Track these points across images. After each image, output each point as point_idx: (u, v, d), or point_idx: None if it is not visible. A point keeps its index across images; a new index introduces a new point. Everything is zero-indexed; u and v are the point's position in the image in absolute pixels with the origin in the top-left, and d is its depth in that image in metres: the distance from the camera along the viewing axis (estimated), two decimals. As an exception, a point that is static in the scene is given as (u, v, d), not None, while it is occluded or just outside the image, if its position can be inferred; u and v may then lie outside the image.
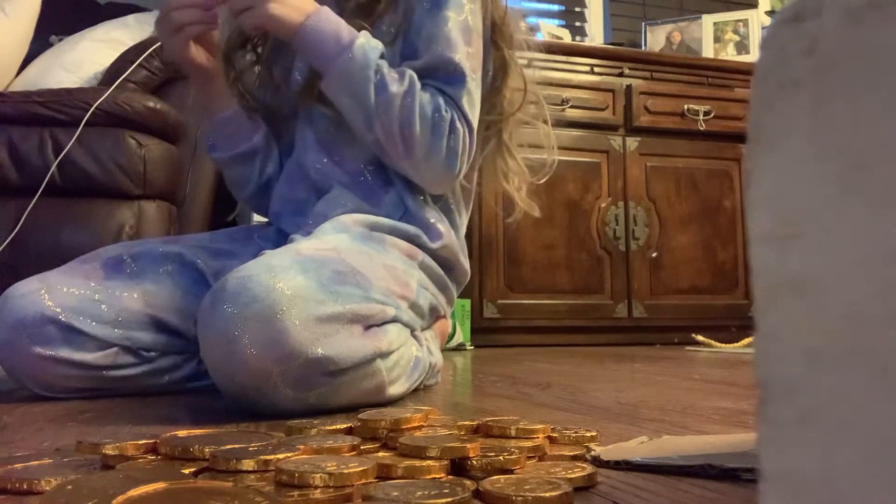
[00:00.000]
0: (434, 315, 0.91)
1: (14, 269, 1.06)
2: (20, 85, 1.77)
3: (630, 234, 2.24)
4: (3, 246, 1.46)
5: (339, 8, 0.91)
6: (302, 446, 0.43)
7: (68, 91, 1.61)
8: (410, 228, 0.87)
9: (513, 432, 0.50)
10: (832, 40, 0.19)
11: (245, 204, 1.04)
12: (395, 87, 0.83)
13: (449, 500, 0.34)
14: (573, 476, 0.40)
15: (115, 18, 1.97)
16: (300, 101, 0.95)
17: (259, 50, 1.00)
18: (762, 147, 0.21)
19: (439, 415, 0.60)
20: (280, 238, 0.92)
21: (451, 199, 0.97)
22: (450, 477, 0.41)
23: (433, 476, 0.40)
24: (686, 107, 2.33)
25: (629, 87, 2.29)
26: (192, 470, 0.40)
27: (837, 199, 0.19)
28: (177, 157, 1.72)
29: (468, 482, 0.39)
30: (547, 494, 0.35)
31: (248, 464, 0.40)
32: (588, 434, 0.52)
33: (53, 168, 1.53)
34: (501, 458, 0.42)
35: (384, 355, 0.71)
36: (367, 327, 0.70)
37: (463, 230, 1.00)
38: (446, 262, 0.92)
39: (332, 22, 0.84)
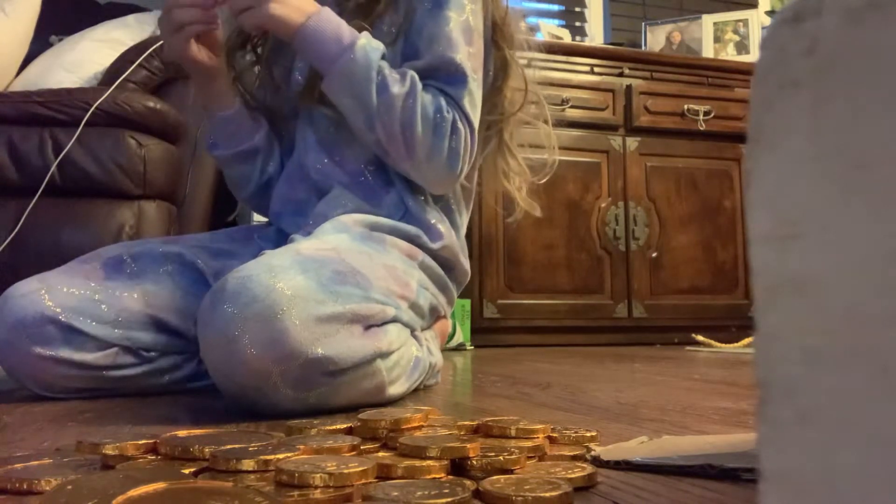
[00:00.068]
0: (434, 315, 0.91)
1: (14, 269, 1.06)
2: (20, 85, 1.77)
3: (630, 234, 2.24)
4: (3, 246, 1.46)
5: (338, 8, 0.91)
6: (302, 446, 0.43)
7: (68, 91, 1.61)
8: (411, 229, 0.87)
9: (513, 432, 0.50)
10: (832, 40, 0.19)
11: (245, 203, 1.04)
12: (397, 88, 0.83)
13: (449, 500, 0.34)
14: (573, 476, 0.40)
15: (115, 18, 1.97)
16: (301, 102, 0.95)
17: (259, 50, 1.00)
18: (762, 147, 0.21)
19: (439, 415, 0.60)
20: (280, 238, 0.92)
21: (452, 199, 0.97)
22: (450, 477, 0.41)
23: (433, 476, 0.40)
24: (686, 107, 2.33)
25: (629, 87, 2.29)
26: (192, 470, 0.40)
27: (837, 199, 0.19)
28: (177, 157, 1.72)
29: (468, 482, 0.39)
30: (547, 494, 0.35)
31: (248, 464, 0.40)
32: (588, 434, 0.52)
33: (53, 168, 1.53)
34: (501, 458, 0.42)
35: (384, 355, 0.71)
36: (367, 327, 0.70)
37: (463, 230, 1.00)
38: (446, 263, 0.92)
39: (333, 23, 0.84)
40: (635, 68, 2.32)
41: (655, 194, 2.29)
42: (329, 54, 0.83)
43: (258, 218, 1.81)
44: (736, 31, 2.69)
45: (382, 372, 0.71)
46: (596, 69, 2.29)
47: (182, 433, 0.47)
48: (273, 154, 0.99)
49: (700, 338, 2.01)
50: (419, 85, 0.85)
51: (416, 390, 0.85)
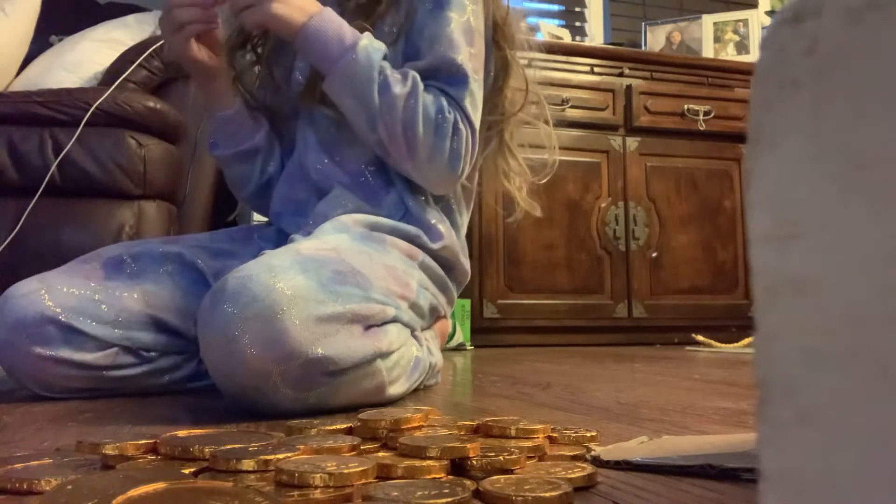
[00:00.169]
0: (434, 315, 0.91)
1: (14, 269, 1.06)
2: (20, 85, 1.77)
3: (630, 234, 2.24)
4: (3, 246, 1.46)
5: (339, 8, 0.91)
6: (302, 446, 0.43)
7: (68, 91, 1.61)
8: (411, 229, 0.87)
9: (513, 432, 0.50)
10: (832, 40, 0.19)
11: (245, 203, 1.04)
12: (399, 89, 0.83)
13: (449, 500, 0.34)
14: (573, 476, 0.40)
15: (115, 18, 1.97)
16: (301, 102, 0.95)
17: (259, 50, 1.00)
18: (762, 147, 0.21)
19: (439, 415, 0.60)
20: (280, 238, 0.92)
21: (453, 199, 0.97)
22: (450, 477, 0.41)
23: (433, 476, 0.40)
24: (686, 107, 2.33)
25: (629, 87, 2.29)
26: (192, 470, 0.40)
27: (837, 199, 0.19)
28: (177, 157, 1.72)
29: (468, 482, 0.39)
30: (547, 494, 0.35)
31: (248, 464, 0.40)
32: (588, 434, 0.52)
33: (53, 168, 1.53)
34: (501, 458, 0.42)
35: (384, 355, 0.71)
36: (367, 327, 0.70)
37: (464, 230, 1.00)
38: (447, 263, 0.92)
39: (335, 23, 0.84)
40: (635, 68, 2.32)
41: (655, 194, 2.29)
42: (331, 54, 0.83)
43: (258, 218, 1.81)
44: (736, 31, 2.69)
45: (382, 372, 0.71)
46: (596, 69, 2.29)
47: (182, 433, 0.47)
48: (273, 154, 0.99)
49: (700, 338, 2.01)
50: (421, 85, 0.85)
51: (416, 390, 0.85)
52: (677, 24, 2.75)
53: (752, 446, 0.21)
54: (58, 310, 0.78)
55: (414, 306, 0.81)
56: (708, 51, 2.66)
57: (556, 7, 2.97)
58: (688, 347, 1.99)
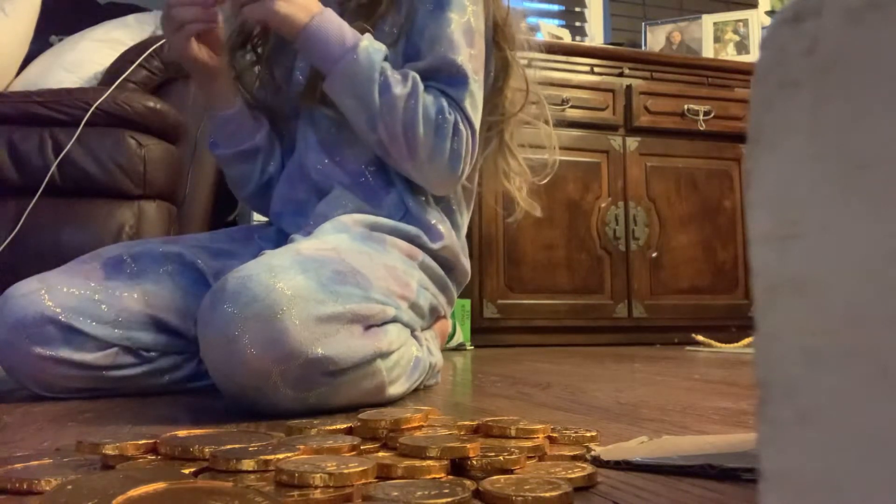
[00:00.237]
0: (434, 315, 0.91)
1: (14, 269, 1.06)
2: (20, 85, 1.77)
3: (630, 234, 2.24)
4: (3, 246, 1.46)
5: (340, 8, 0.91)
6: (302, 446, 0.43)
7: (68, 91, 1.61)
8: (411, 229, 0.87)
9: (513, 432, 0.50)
10: (832, 40, 0.19)
11: (245, 203, 1.04)
12: (399, 89, 0.83)
13: (449, 500, 0.34)
14: (573, 476, 0.40)
15: (115, 18, 1.97)
16: (302, 102, 0.95)
17: (259, 50, 1.00)
18: (762, 147, 0.21)
19: (439, 415, 0.60)
20: (280, 238, 0.92)
21: (453, 199, 0.97)
22: (450, 477, 0.41)
23: (433, 476, 0.40)
24: (686, 107, 2.33)
25: (629, 87, 2.29)
26: (192, 470, 0.40)
27: (837, 199, 0.19)
28: (177, 157, 1.72)
29: (468, 482, 0.39)
30: (547, 494, 0.35)
31: (248, 464, 0.40)
32: (588, 434, 0.52)
33: (53, 168, 1.53)
34: (501, 458, 0.42)
35: (384, 355, 0.71)
36: (367, 327, 0.70)
37: (464, 230, 1.00)
38: (447, 263, 0.92)
39: (336, 23, 0.84)
40: (635, 68, 2.32)
41: (655, 194, 2.29)
42: (332, 55, 0.83)
43: (258, 218, 1.81)
44: (736, 31, 2.69)
45: (382, 372, 0.71)
46: (596, 69, 2.29)
47: (182, 433, 0.47)
48: (274, 154, 0.99)
49: (700, 338, 2.01)
50: (421, 86, 0.85)
51: (416, 390, 0.85)
52: (677, 24, 2.75)
53: (752, 446, 0.21)
54: (58, 310, 0.78)
55: (414, 306, 0.81)
56: (708, 51, 2.67)
57: (556, 7, 2.97)
58: (688, 347, 1.99)
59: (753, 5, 2.92)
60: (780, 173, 0.20)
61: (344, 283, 0.69)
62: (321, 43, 0.83)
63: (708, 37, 2.68)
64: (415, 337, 0.83)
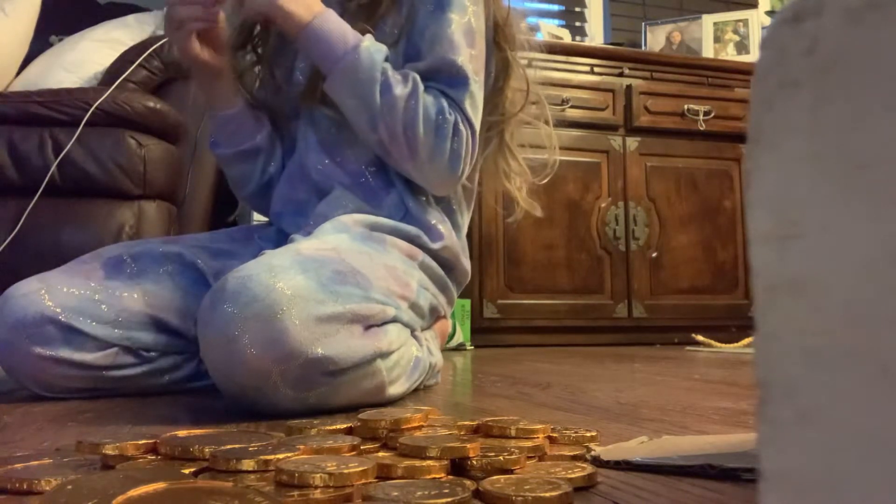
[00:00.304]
0: (434, 315, 0.91)
1: (14, 269, 1.06)
2: (20, 85, 1.77)
3: (630, 234, 2.24)
4: (3, 246, 1.46)
5: (341, 8, 0.91)
6: (302, 446, 0.43)
7: (68, 91, 1.61)
8: (411, 229, 0.87)
9: (513, 432, 0.50)
10: (832, 40, 0.19)
11: (246, 203, 1.05)
12: (400, 90, 0.83)
13: (449, 500, 0.34)
14: (573, 476, 0.40)
15: (115, 18, 1.97)
16: (302, 102, 0.95)
17: (260, 50, 1.00)
18: (762, 147, 0.21)
19: (439, 415, 0.60)
20: (280, 238, 0.92)
21: (454, 199, 0.97)
22: (450, 477, 0.41)
23: (433, 476, 0.40)
24: (686, 107, 2.33)
25: (629, 87, 2.29)
26: (192, 470, 0.40)
27: (837, 199, 0.19)
28: (177, 157, 1.72)
29: (468, 482, 0.39)
30: (547, 494, 0.35)
31: (248, 464, 0.40)
32: (588, 434, 0.52)
33: (53, 168, 1.53)
34: (501, 458, 0.42)
35: (384, 355, 0.71)
36: (367, 327, 0.70)
37: (464, 230, 1.00)
38: (447, 263, 0.92)
39: (338, 23, 0.84)
40: (635, 68, 2.32)
41: (655, 194, 2.29)
42: (333, 54, 0.83)
43: (258, 218, 1.81)
44: (736, 31, 2.69)
45: (382, 372, 0.71)
46: (596, 69, 2.29)
47: (182, 433, 0.47)
48: (274, 154, 0.99)
49: (700, 338, 2.01)
50: (421, 86, 0.85)
51: (416, 390, 0.85)
52: (677, 24, 2.75)
53: (752, 446, 0.21)
54: (58, 310, 0.78)
55: (414, 306, 0.81)
56: (708, 51, 2.67)
57: (556, 7, 2.97)
58: (688, 347, 1.99)
59: (753, 5, 2.92)
60: (780, 173, 0.20)
61: (344, 283, 0.69)
62: (323, 42, 0.83)
63: (708, 37, 2.69)
64: (415, 337, 0.83)
